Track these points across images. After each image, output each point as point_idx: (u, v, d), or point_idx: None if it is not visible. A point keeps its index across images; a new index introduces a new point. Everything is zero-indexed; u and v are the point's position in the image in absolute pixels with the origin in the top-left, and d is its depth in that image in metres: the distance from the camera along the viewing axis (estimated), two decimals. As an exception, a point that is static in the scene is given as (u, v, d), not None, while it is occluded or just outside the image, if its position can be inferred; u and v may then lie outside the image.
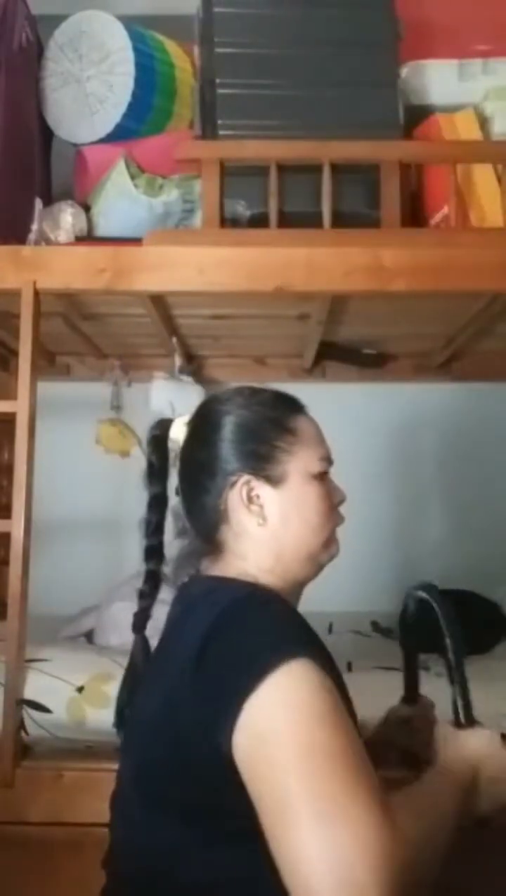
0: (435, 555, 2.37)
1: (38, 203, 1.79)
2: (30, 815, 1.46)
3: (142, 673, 1.04)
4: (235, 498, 0.95)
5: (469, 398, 2.44)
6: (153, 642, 1.02)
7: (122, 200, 1.82)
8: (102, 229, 1.83)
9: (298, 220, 1.65)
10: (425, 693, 1.15)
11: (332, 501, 0.99)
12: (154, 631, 1.02)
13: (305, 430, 0.99)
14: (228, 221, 1.67)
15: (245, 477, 0.95)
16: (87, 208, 1.85)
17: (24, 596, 1.51)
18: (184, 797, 0.82)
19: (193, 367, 2.37)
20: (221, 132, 1.71)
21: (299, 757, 0.71)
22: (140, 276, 1.59)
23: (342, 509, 1.01)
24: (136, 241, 1.65)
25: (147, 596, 1.06)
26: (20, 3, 1.85)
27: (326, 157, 1.64)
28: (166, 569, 1.05)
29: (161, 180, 1.85)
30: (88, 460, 2.37)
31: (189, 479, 1.00)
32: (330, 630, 1.96)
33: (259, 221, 1.65)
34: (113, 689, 1.39)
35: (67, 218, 1.80)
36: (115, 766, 0.95)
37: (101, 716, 1.44)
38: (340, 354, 2.29)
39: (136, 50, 1.92)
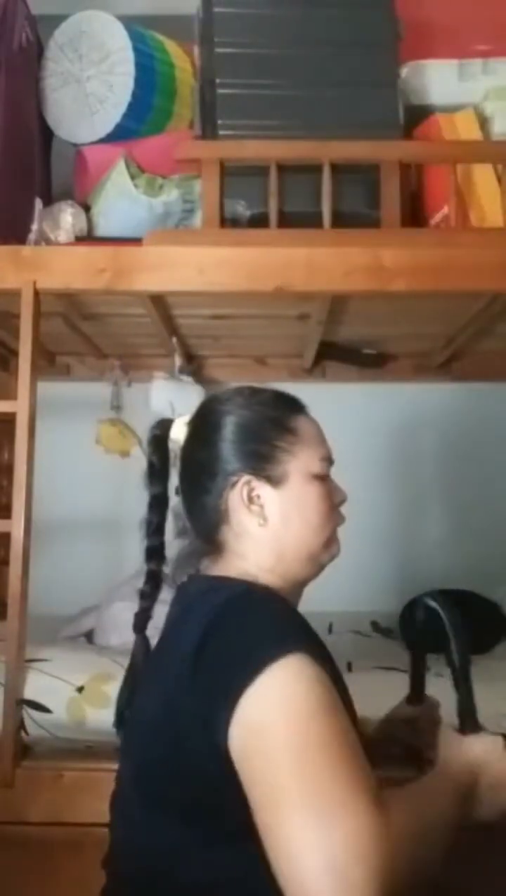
0: (435, 555, 2.37)
1: (38, 203, 1.79)
2: (30, 815, 1.46)
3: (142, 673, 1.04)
4: (235, 498, 0.95)
5: (469, 398, 2.44)
6: (154, 642, 1.02)
7: (122, 200, 1.82)
8: (102, 229, 1.83)
9: (298, 220, 1.65)
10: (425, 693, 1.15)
11: (332, 501, 0.99)
12: (154, 631, 1.02)
13: (305, 430, 0.99)
14: (228, 221, 1.67)
15: (246, 477, 0.95)
16: (87, 208, 1.85)
17: (24, 596, 1.51)
18: (184, 797, 0.82)
19: (193, 367, 2.37)
20: (221, 132, 1.71)
21: (293, 750, 0.71)
22: (140, 276, 1.58)
23: (343, 509, 1.01)
24: (136, 241, 1.65)
25: (148, 596, 1.06)
26: (20, 3, 1.85)
27: (326, 157, 1.64)
28: (167, 569, 1.05)
29: (161, 180, 1.85)
30: (88, 460, 2.37)
31: (189, 480, 1.00)
32: (330, 630, 1.96)
33: (259, 221, 1.65)
34: (113, 689, 1.39)
35: (67, 218, 1.80)
36: (115, 766, 0.95)
37: (102, 716, 1.43)
38: (340, 354, 2.28)
39: (136, 50, 1.92)
